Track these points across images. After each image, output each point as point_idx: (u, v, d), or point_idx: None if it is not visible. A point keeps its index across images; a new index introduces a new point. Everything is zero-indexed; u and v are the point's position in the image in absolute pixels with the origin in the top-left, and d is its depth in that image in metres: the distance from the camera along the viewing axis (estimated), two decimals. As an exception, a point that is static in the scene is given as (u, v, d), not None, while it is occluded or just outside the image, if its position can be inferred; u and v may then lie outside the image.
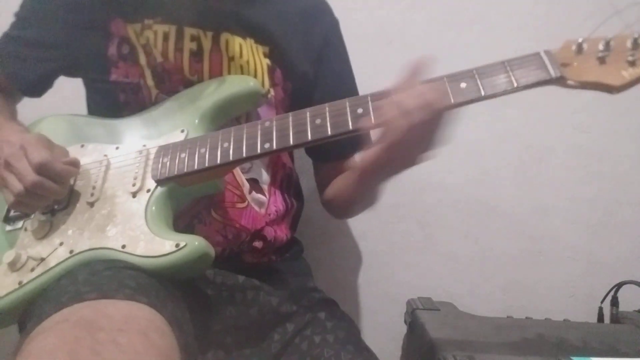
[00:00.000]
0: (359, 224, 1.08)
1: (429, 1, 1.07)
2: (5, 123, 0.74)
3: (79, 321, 0.50)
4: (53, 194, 0.66)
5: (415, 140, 0.59)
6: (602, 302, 0.95)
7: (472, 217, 1.06)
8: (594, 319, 0.96)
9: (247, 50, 0.79)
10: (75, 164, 0.70)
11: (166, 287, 0.60)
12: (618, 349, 0.74)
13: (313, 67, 0.84)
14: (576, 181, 1.04)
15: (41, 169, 0.63)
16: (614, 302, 0.93)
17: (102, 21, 0.77)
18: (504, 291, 1.05)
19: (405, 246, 1.07)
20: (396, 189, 1.07)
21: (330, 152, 0.89)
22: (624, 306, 0.93)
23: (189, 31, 0.77)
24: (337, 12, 0.95)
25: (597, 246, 1.04)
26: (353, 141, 0.89)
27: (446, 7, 1.07)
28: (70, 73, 0.82)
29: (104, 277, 0.58)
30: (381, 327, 1.06)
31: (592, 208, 1.04)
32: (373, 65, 1.05)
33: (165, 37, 0.77)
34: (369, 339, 0.76)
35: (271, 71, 0.81)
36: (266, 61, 0.80)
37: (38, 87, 0.84)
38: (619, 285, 0.93)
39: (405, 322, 0.96)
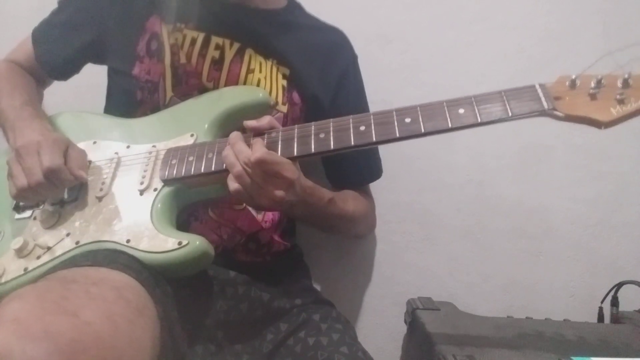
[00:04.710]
0: (359, 224, 1.08)
1: (429, 1, 1.08)
2: (36, 118, 0.76)
3: (57, 278, 0.53)
4: (52, 196, 0.70)
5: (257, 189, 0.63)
6: (602, 302, 0.95)
7: (472, 217, 1.06)
8: (594, 319, 0.96)
9: (267, 69, 0.82)
10: (81, 179, 0.71)
11: (158, 280, 0.61)
12: (618, 349, 0.74)
13: (328, 97, 0.87)
14: (576, 181, 1.04)
15: (49, 174, 0.66)
16: (614, 302, 0.93)
17: (141, 16, 0.80)
18: (504, 291, 1.05)
19: (405, 246, 1.07)
20: (396, 189, 1.07)
21: (350, 179, 0.93)
22: (624, 306, 0.92)
23: (215, 40, 0.80)
24: (338, 12, 0.96)
25: (597, 246, 1.03)
26: (365, 171, 0.95)
27: (446, 7, 1.07)
28: (97, 59, 0.85)
29: (101, 254, 0.62)
30: (381, 327, 1.06)
31: (592, 208, 1.04)
32: (373, 65, 1.05)
33: (193, 42, 0.79)
34: (369, 339, 0.77)
35: (288, 92, 0.83)
36: (283, 82, 0.83)
37: (65, 69, 0.87)
38: (619, 285, 0.93)
39: (405, 322, 0.95)
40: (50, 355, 0.40)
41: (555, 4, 1.04)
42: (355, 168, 0.92)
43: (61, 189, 0.70)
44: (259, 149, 0.62)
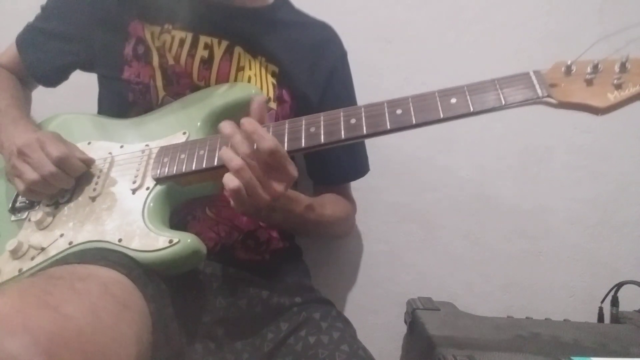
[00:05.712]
0: (359, 224, 1.08)
1: (429, 1, 1.08)
2: (21, 120, 0.76)
3: (44, 274, 0.53)
4: (63, 185, 0.70)
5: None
6: (602, 302, 0.95)
7: (472, 217, 1.06)
8: (594, 319, 0.96)
9: (256, 67, 0.82)
10: (89, 162, 0.73)
11: (152, 278, 0.61)
12: (618, 349, 0.74)
13: (317, 95, 0.87)
14: (576, 181, 1.04)
15: (60, 162, 0.67)
16: (614, 302, 0.93)
17: (122, 21, 0.80)
18: (504, 291, 1.05)
19: (405, 246, 1.07)
20: (396, 189, 1.07)
21: (331, 176, 0.93)
22: (624, 306, 0.92)
23: (203, 39, 0.80)
24: (337, 12, 0.96)
25: (597, 246, 1.03)
26: (349, 168, 0.94)
27: (446, 7, 1.07)
28: (86, 68, 0.86)
29: (91, 253, 0.62)
30: (381, 327, 1.06)
31: (592, 208, 1.04)
32: (373, 65, 1.05)
33: (181, 42, 0.79)
34: (369, 339, 0.76)
35: (278, 90, 0.83)
36: (272, 80, 0.83)
37: (54, 77, 0.88)
38: (619, 285, 0.93)
39: (405, 322, 0.96)
40: (28, 349, 0.40)
41: (555, 4, 1.04)
42: (337, 165, 0.92)
43: (72, 177, 0.70)
44: (271, 138, 0.59)
